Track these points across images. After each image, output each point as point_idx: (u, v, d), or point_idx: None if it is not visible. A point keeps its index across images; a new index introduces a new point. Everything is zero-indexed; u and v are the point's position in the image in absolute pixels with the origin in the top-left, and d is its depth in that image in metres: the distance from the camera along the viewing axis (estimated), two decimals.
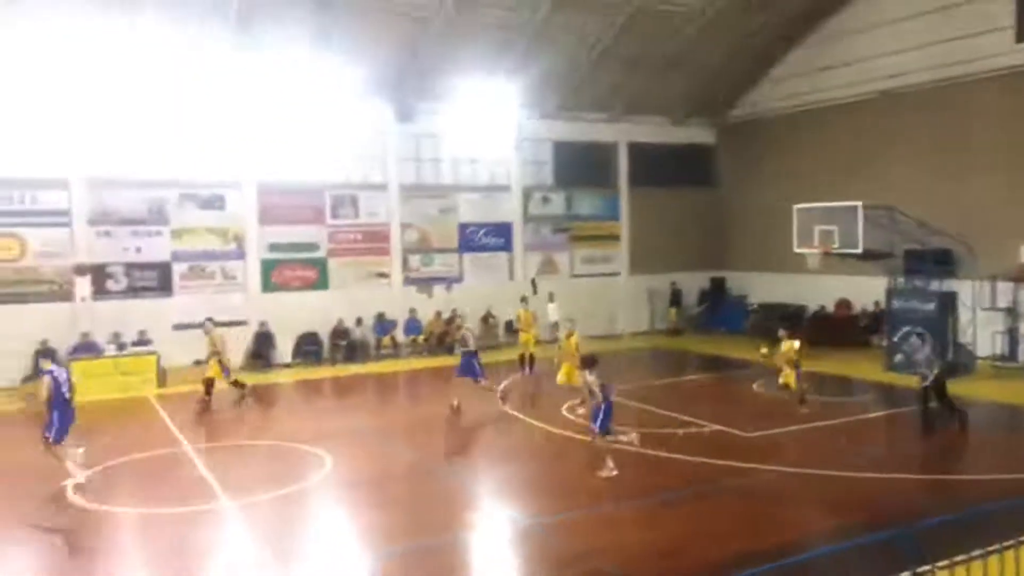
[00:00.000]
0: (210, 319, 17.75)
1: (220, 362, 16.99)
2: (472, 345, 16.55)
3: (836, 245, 19.23)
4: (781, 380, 15.64)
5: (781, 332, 16.16)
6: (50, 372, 11.92)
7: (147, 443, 14.20)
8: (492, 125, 22.77)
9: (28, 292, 19.88)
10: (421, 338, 24.13)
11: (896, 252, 19.75)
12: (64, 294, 20.24)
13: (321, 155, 23.22)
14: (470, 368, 16.16)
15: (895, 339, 19.40)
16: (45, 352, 15.80)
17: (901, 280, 20.11)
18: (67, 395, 11.93)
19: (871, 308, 23.16)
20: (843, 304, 24.67)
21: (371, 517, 10.63)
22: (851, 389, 18.41)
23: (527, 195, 26.76)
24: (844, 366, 20.02)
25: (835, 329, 23.79)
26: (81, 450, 12.00)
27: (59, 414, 11.74)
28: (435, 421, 15.49)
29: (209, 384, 16.93)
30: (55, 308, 19.94)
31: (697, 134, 29.34)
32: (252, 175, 22.42)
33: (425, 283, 25.04)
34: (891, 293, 20.03)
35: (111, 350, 19.66)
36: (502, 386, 17.75)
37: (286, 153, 22.76)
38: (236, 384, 17.28)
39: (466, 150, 24.66)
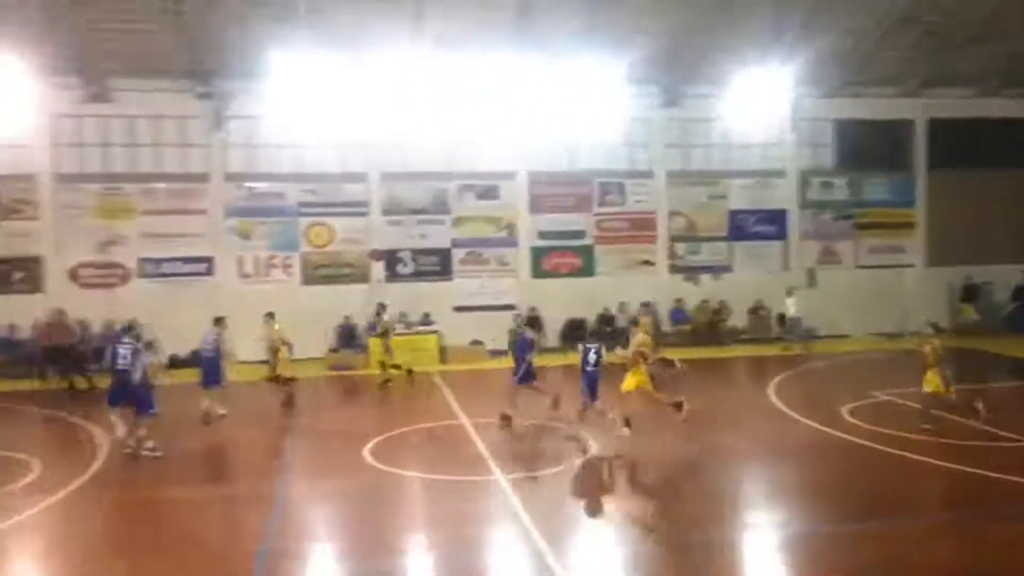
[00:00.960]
0: (270, 313, 17.13)
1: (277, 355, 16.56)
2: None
3: None
4: None
5: None
6: None
7: (430, 415, 15.46)
8: (766, 107, 21.60)
9: (335, 274, 22.47)
10: (688, 327, 23.66)
11: None
12: (362, 276, 22.61)
13: (588, 143, 23.59)
14: None
15: None
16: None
17: None
18: None
19: None
20: None
21: (635, 504, 10.61)
22: None
23: (804, 180, 25.10)
24: None
25: None
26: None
27: None
28: (700, 413, 15.06)
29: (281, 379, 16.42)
30: (355, 289, 22.34)
31: (1014, 107, 25.51)
32: (524, 165, 23.39)
33: (692, 272, 24.50)
34: None
35: (400, 328, 21.60)
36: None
37: (555, 143, 23.42)
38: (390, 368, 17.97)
39: (737, 134, 23.67)
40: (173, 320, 20.91)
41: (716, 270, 24.57)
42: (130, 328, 13.89)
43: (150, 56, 20.35)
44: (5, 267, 20.69)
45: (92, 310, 20.41)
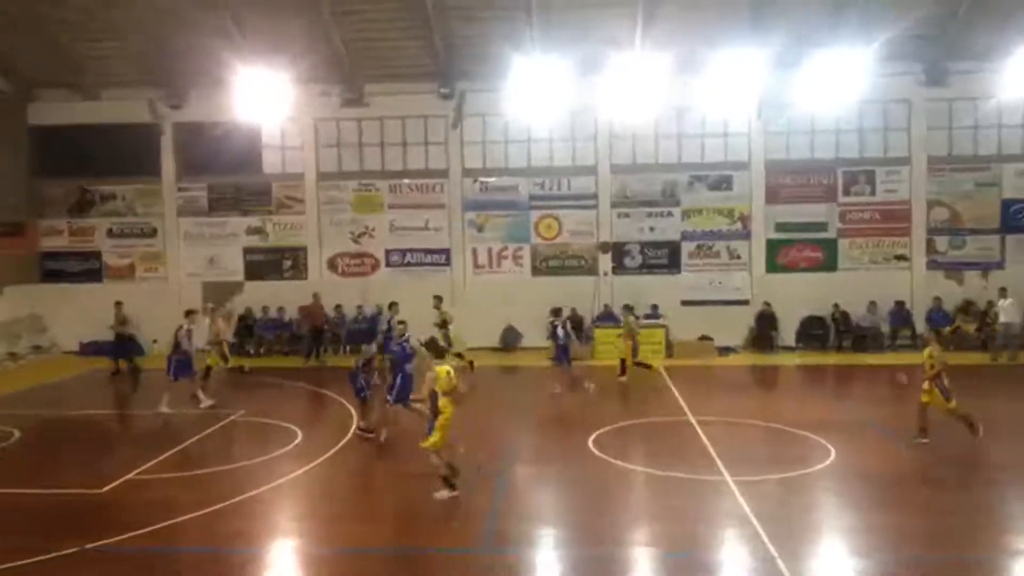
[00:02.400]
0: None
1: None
2: None
3: None
4: None
5: None
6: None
7: (656, 409, 15.20)
8: None
9: (563, 266, 22.81)
10: (947, 330, 21.18)
11: None
12: (590, 269, 22.74)
13: (832, 129, 21.94)
14: None
15: None
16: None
17: None
18: None
19: None
20: None
21: (877, 517, 9.65)
22: None
23: None
24: None
25: None
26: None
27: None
28: (950, 425, 13.41)
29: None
30: (582, 281, 22.53)
31: None
32: (760, 154, 22.25)
33: (955, 268, 21.95)
34: None
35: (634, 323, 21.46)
36: None
37: (795, 130, 22.06)
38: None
39: (1012, 113, 20.82)
40: (413, 308, 22.45)
41: (984, 267, 21.81)
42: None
43: (399, 62, 21.90)
44: (276, 256, 23.30)
45: (346, 296, 22.45)
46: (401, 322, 14.83)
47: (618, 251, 22.70)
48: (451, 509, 10.23)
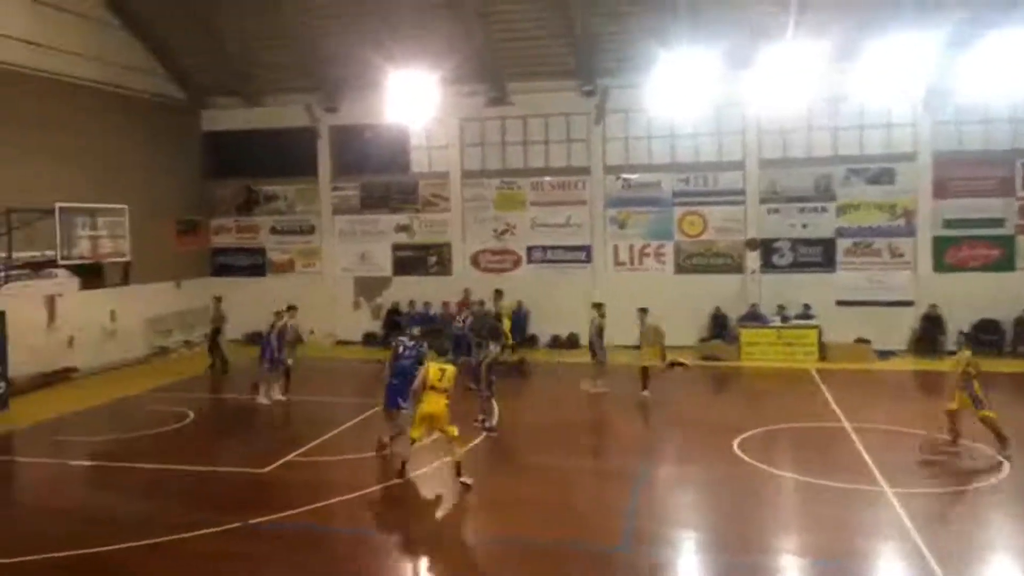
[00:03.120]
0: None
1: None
2: None
3: None
4: None
5: None
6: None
7: (806, 414, 14.47)
8: None
9: (706, 264, 22.19)
10: None
11: None
12: (736, 267, 21.98)
13: (1009, 118, 20.08)
14: None
15: None
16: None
17: None
18: None
19: None
20: None
21: None
22: None
23: None
24: None
25: None
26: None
27: None
28: None
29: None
30: (728, 279, 21.82)
31: None
32: (926, 145, 20.72)
33: None
34: None
35: (775, 321, 20.62)
36: None
37: (966, 119, 20.37)
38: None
39: None
40: (553, 304, 22.64)
41: None
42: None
43: (542, 60, 22.04)
44: (423, 252, 24.06)
45: (487, 292, 22.80)
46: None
47: (767, 248, 21.80)
48: (591, 506, 10.20)
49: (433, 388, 10.84)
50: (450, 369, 11.11)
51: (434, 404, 10.78)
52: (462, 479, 10.71)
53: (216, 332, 20.15)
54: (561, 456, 12.41)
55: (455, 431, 10.87)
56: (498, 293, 20.51)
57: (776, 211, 21.75)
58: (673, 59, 18.70)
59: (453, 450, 10.92)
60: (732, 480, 11.07)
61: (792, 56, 18.47)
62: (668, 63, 18.75)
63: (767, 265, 21.76)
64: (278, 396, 16.17)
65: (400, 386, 12.06)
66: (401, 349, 12.49)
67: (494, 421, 13.63)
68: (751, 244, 21.78)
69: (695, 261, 22.25)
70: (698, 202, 22.22)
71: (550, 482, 11.10)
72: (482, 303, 20.38)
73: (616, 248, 22.72)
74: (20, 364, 17.01)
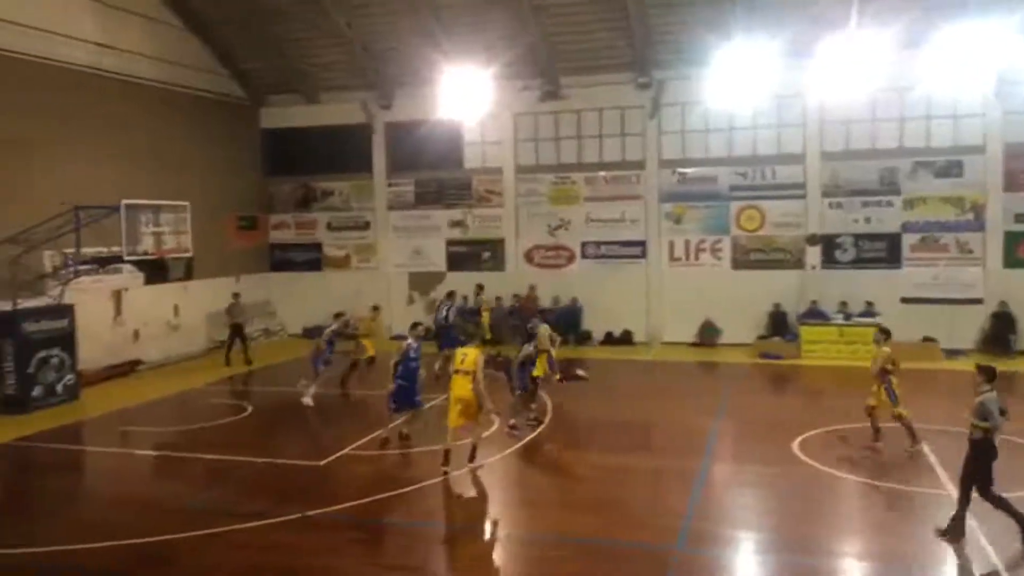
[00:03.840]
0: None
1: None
2: None
3: None
4: None
5: None
6: None
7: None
8: None
9: (765, 259, 21.73)
10: None
11: None
12: (795, 262, 21.47)
13: None
14: None
15: None
16: None
17: None
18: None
19: None
20: None
21: None
22: None
23: None
24: None
25: None
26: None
27: None
28: None
29: None
30: (787, 275, 21.34)
31: None
32: (997, 137, 19.92)
33: None
34: None
35: (838, 319, 20.09)
36: None
37: None
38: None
39: None
40: (607, 300, 22.46)
41: None
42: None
43: (596, 53, 21.86)
44: (476, 248, 24.10)
45: (540, 288, 22.78)
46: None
47: (828, 244, 21.25)
48: (648, 504, 10.07)
49: (456, 372, 11.18)
50: (472, 352, 11.32)
51: (460, 387, 11.07)
52: (472, 464, 11.06)
53: (237, 328, 20.29)
54: (617, 453, 12.29)
55: (481, 416, 11.16)
56: (479, 288, 21.74)
57: (838, 205, 21.17)
58: (731, 50, 18.35)
59: (473, 430, 11.22)
60: (791, 481, 10.81)
61: (856, 44, 17.94)
62: (726, 54, 18.40)
63: (829, 261, 21.23)
64: (309, 398, 15.64)
65: (411, 387, 12.38)
66: (411, 352, 12.47)
67: (531, 416, 13.60)
68: (812, 239, 21.25)
69: (753, 257, 21.82)
70: (756, 196, 21.77)
71: (606, 479, 11.00)
72: (465, 297, 21.58)
73: (671, 243, 22.42)
74: (89, 357, 17.59)
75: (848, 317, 20.04)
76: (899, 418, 11.81)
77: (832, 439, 12.67)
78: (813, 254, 21.31)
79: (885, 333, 12.39)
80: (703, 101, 20.78)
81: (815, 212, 21.29)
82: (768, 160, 21.67)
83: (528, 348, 13.89)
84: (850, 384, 16.73)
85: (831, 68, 18.49)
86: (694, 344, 21.74)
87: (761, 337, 20.90)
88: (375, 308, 18.63)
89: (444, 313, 18.31)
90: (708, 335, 21.72)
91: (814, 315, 20.47)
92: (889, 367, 11.90)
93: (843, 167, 21.11)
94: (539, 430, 13.42)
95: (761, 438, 12.95)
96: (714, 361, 20.23)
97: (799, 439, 12.35)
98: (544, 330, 14.40)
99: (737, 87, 18.84)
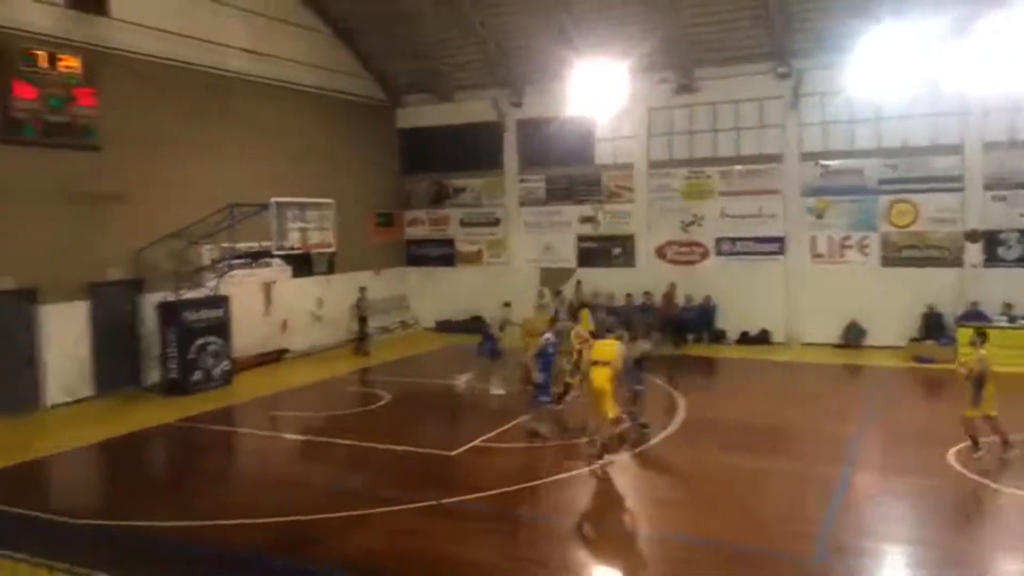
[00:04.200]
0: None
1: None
2: None
3: None
4: None
5: None
6: None
7: None
8: None
9: (919, 256, 20.35)
10: None
11: None
12: (952, 260, 20.00)
13: None
14: None
15: None
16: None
17: None
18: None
19: None
20: None
21: None
22: None
23: None
24: None
25: None
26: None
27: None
28: None
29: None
30: (943, 274, 19.92)
31: None
32: None
33: None
34: None
35: (1001, 321, 18.52)
36: None
37: None
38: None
39: None
40: (742, 298, 21.72)
41: None
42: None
43: (734, 43, 21.17)
44: (607, 244, 23.93)
45: (680, 284, 22.32)
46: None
47: (991, 240, 19.64)
48: (784, 510, 9.66)
49: (596, 363, 11.20)
50: (613, 344, 11.40)
51: (600, 377, 11.10)
52: (601, 460, 10.95)
53: (363, 321, 21.66)
54: (752, 455, 11.87)
55: (611, 413, 11.07)
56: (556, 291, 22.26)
57: (1002, 199, 19.54)
58: (878, 35, 17.26)
59: (600, 429, 11.15)
60: (945, 493, 10.10)
61: (1020, 23, 16.49)
62: (872, 40, 17.33)
63: (991, 259, 19.64)
64: (499, 390, 16.05)
65: (546, 381, 12.62)
66: (549, 348, 12.72)
67: (641, 418, 13.22)
68: (972, 236, 19.71)
69: (905, 254, 20.49)
70: (908, 190, 20.42)
71: (738, 481, 10.66)
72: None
73: (814, 239, 21.40)
74: (241, 345, 18.80)
75: (1013, 320, 18.44)
76: (966, 421, 11.20)
77: (993, 449, 11.67)
78: (974, 251, 19.77)
79: (982, 336, 11.56)
80: (847, 90, 19.65)
81: (976, 206, 19.74)
82: (921, 151, 20.28)
83: (644, 345, 13.53)
84: (1016, 392, 15.43)
85: (994, 51, 17.09)
86: (838, 346, 20.67)
87: (913, 340, 19.59)
88: (506, 304, 18.79)
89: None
90: (854, 336, 20.60)
91: (974, 317, 18.91)
92: (977, 368, 11.15)
93: (1007, 157, 19.45)
94: (665, 432, 13.15)
95: (911, 446, 12.16)
96: (859, 364, 19.15)
97: (955, 449, 11.47)
98: (569, 327, 14.67)
99: (885, 74, 17.71)
